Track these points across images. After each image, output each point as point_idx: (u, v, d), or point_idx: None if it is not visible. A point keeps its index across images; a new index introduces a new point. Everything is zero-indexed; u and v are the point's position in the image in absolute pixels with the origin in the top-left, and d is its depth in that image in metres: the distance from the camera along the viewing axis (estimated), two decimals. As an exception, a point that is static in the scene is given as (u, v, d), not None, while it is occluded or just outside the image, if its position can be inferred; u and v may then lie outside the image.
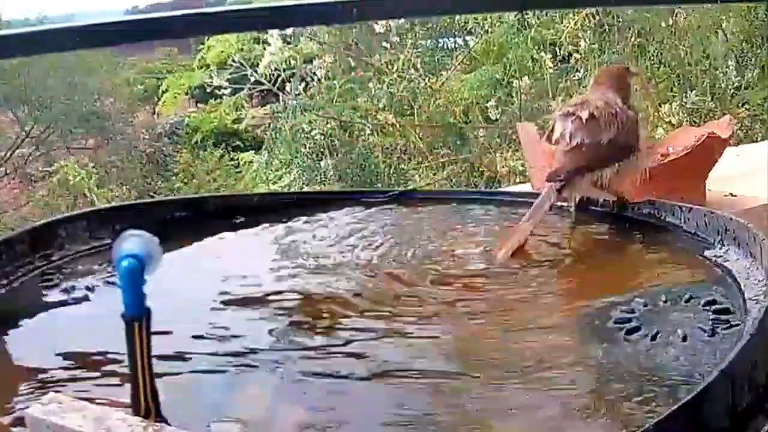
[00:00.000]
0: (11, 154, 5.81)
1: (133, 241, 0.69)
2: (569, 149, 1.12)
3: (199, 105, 5.91)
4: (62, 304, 0.98)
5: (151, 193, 5.51)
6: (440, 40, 3.84)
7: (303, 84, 3.41)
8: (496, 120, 3.52)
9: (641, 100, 3.07)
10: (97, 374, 0.80)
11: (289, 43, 3.36)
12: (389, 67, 3.51)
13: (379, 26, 3.47)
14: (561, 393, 0.74)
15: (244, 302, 1.00)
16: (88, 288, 1.01)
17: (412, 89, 3.48)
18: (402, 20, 3.47)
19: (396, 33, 3.51)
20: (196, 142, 5.86)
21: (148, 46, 5.62)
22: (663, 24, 3.49)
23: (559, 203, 1.15)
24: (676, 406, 0.64)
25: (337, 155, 3.40)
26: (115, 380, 0.77)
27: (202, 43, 3.73)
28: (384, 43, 3.51)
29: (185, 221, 1.20)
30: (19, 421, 0.70)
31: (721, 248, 0.99)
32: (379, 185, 3.34)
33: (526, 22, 3.49)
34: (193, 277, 1.06)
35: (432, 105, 3.49)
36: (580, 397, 0.73)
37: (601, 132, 1.12)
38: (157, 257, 0.69)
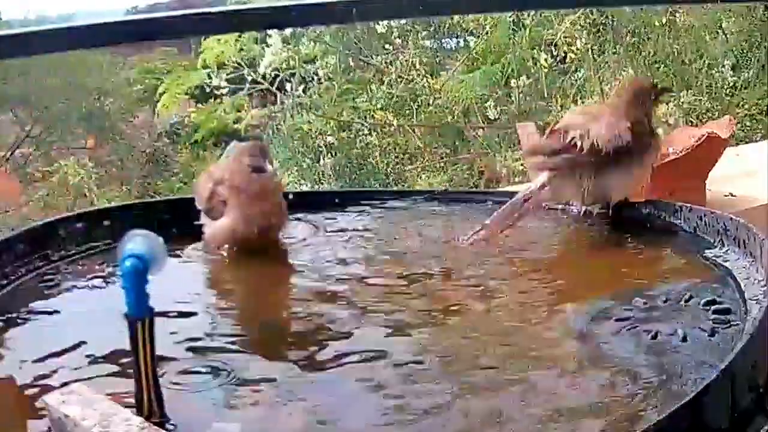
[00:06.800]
0: (11, 154, 5.81)
1: (137, 241, 0.69)
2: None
3: (198, 105, 5.90)
4: (62, 304, 0.98)
5: (151, 193, 5.51)
6: (441, 41, 3.84)
7: (303, 84, 3.41)
8: (495, 120, 3.52)
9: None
10: (98, 374, 0.80)
11: (289, 44, 3.36)
12: (389, 67, 3.51)
13: (381, 26, 3.47)
14: (561, 392, 0.74)
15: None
16: (88, 288, 1.01)
17: (412, 89, 3.48)
18: (403, 21, 3.46)
19: (398, 34, 3.51)
20: (196, 142, 5.86)
21: (148, 46, 5.60)
22: (657, 23, 3.49)
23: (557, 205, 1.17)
24: (676, 406, 0.64)
25: (336, 155, 3.40)
26: (117, 381, 0.77)
27: (200, 45, 3.74)
28: (387, 46, 3.51)
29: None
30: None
31: (721, 248, 1.00)
32: (377, 185, 3.34)
33: (521, 23, 3.49)
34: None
35: (431, 105, 3.49)
36: (579, 396, 0.73)
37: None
38: (161, 257, 0.69)
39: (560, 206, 1.18)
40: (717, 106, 3.35)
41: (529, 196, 1.13)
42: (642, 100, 1.17)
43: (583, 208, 1.16)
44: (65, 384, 0.73)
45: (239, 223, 1.07)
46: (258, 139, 3.49)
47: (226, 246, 1.09)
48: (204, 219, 1.12)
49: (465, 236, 1.10)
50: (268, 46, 3.31)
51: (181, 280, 1.04)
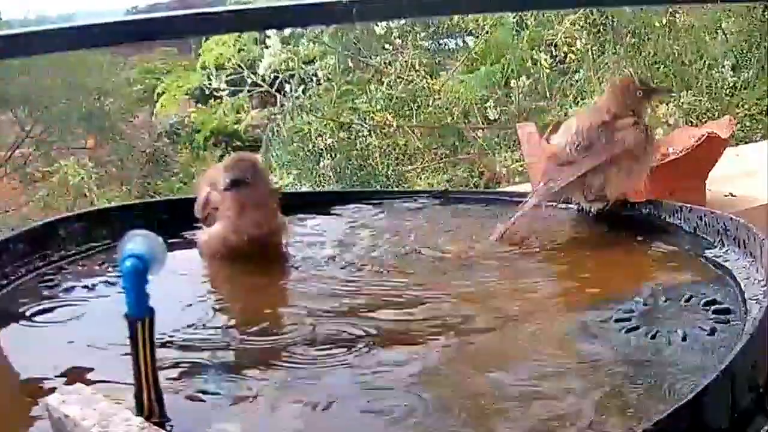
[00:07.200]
0: (11, 154, 5.80)
1: (137, 241, 0.69)
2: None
3: (198, 105, 5.91)
4: (62, 304, 0.98)
5: (151, 193, 5.51)
6: (440, 41, 3.84)
7: (302, 86, 3.41)
8: (495, 120, 3.52)
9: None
10: (98, 374, 0.80)
11: (288, 44, 3.36)
12: (389, 68, 3.51)
13: (380, 27, 3.47)
14: (561, 392, 0.74)
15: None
16: (88, 288, 1.01)
17: (412, 90, 3.48)
18: (402, 21, 3.46)
19: (398, 34, 3.51)
20: (196, 142, 5.86)
21: (148, 46, 5.60)
22: (657, 24, 3.49)
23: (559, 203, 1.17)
24: (676, 406, 0.64)
25: (335, 156, 3.40)
26: (117, 381, 0.77)
27: (201, 46, 3.74)
28: (386, 46, 3.51)
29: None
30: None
31: (721, 248, 1.00)
32: (378, 186, 3.34)
33: (522, 23, 3.49)
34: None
35: (431, 106, 3.49)
36: (579, 397, 0.73)
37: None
38: (161, 257, 0.69)
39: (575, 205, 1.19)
40: (717, 106, 3.36)
41: (533, 194, 1.14)
42: (628, 98, 1.18)
43: (590, 207, 1.17)
44: (65, 384, 0.73)
45: (229, 232, 1.07)
46: (259, 140, 3.51)
47: (220, 255, 1.08)
48: (202, 225, 1.12)
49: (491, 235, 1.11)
50: (267, 47, 3.31)
51: (180, 280, 1.04)
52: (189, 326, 0.90)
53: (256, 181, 1.07)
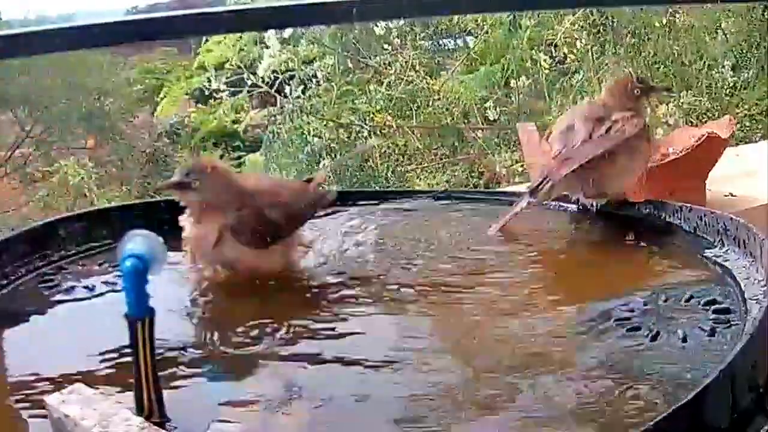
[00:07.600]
0: (11, 154, 5.81)
1: (138, 241, 0.69)
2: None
3: (198, 105, 5.91)
4: (62, 304, 0.98)
5: (151, 193, 5.51)
6: (440, 41, 3.85)
7: (302, 86, 3.41)
8: (495, 120, 3.52)
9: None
10: (98, 374, 0.80)
11: (288, 45, 3.37)
12: (388, 68, 3.51)
13: (379, 28, 3.47)
14: (561, 393, 0.74)
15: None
16: (88, 288, 1.01)
17: (411, 91, 3.48)
18: (402, 21, 3.46)
19: (397, 34, 3.51)
20: (196, 142, 5.86)
21: (148, 46, 5.61)
22: (657, 24, 3.50)
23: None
24: (676, 406, 0.64)
25: (335, 157, 3.40)
26: (117, 381, 0.77)
27: (200, 46, 3.75)
28: (386, 46, 3.51)
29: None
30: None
31: (721, 248, 1.00)
32: (377, 187, 3.34)
33: (520, 23, 3.49)
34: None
35: (431, 106, 3.49)
36: (579, 397, 0.73)
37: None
38: (161, 257, 0.69)
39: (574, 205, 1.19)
40: (717, 106, 3.36)
41: (529, 192, 1.14)
42: (625, 96, 1.18)
43: (590, 203, 1.16)
44: (65, 384, 0.73)
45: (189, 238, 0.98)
46: (258, 141, 3.50)
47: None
48: None
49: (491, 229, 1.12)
50: (267, 47, 3.32)
51: (179, 280, 1.03)
52: (187, 325, 0.91)
53: (208, 185, 0.97)
